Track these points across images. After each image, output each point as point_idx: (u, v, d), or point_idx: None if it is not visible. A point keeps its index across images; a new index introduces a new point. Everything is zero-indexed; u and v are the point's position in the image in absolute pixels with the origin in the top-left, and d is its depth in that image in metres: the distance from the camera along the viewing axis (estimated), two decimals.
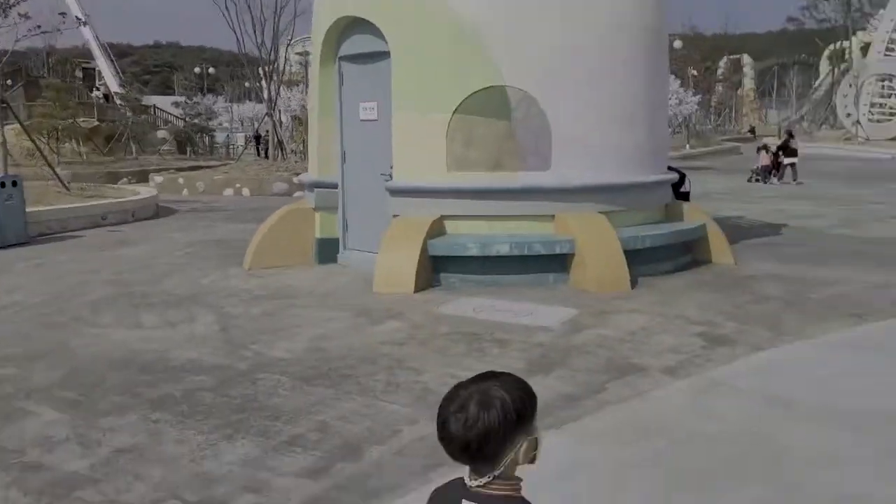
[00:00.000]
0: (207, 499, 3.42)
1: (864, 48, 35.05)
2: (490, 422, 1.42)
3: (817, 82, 49.50)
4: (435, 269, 7.69)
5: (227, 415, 4.39)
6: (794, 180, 20.71)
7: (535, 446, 1.49)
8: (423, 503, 3.35)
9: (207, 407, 4.51)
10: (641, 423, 4.36)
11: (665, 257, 8.26)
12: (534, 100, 7.76)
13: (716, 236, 8.87)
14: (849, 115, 33.62)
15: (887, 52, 32.16)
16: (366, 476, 3.61)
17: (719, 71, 58.55)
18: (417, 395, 4.68)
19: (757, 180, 21.23)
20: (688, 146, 35.11)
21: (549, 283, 7.67)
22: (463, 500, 1.48)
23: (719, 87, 57.26)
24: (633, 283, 7.57)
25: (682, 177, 10.97)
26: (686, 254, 8.70)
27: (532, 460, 1.50)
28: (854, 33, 41.86)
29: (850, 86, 33.40)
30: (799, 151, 21.86)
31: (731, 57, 60.23)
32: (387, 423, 4.25)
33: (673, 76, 32.18)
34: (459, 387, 1.50)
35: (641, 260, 7.87)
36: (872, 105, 32.87)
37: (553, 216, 7.85)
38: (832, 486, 3.43)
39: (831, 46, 45.28)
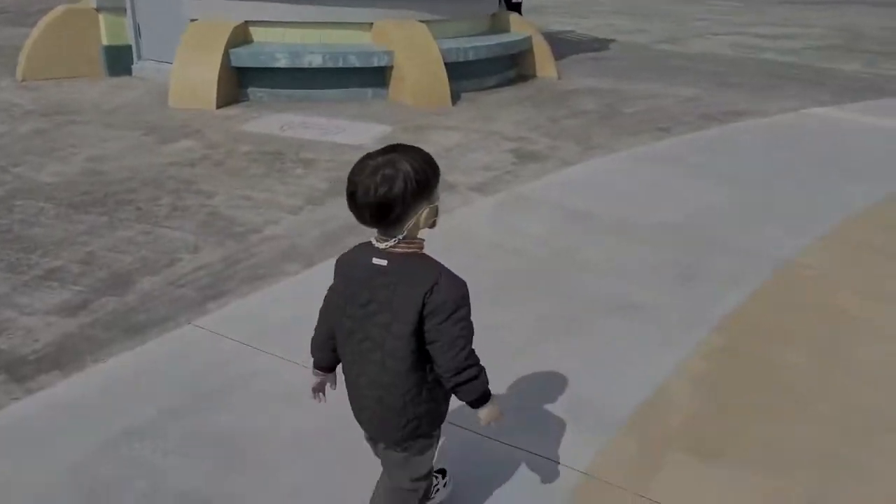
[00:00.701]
0: None
1: None
2: (395, 188, 1.55)
3: None
4: (241, 82, 6.97)
5: None
6: None
7: (435, 213, 1.66)
8: (194, 339, 3.13)
9: None
10: (445, 240, 4.25)
11: (489, 71, 7.99)
12: None
13: (541, 50, 8.67)
14: None
15: None
16: (132, 310, 3.26)
17: None
18: (204, 220, 4.27)
19: None
20: None
21: (367, 99, 7.22)
22: (373, 259, 1.66)
23: None
24: (456, 98, 7.31)
25: None
26: (511, 67, 8.48)
27: (432, 225, 1.68)
28: None
29: None
30: None
31: None
32: (165, 251, 3.85)
33: None
34: (368, 157, 1.60)
35: (464, 73, 7.57)
36: None
37: (371, 25, 7.24)
38: (613, 296, 3.53)
39: None
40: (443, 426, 1.85)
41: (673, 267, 3.88)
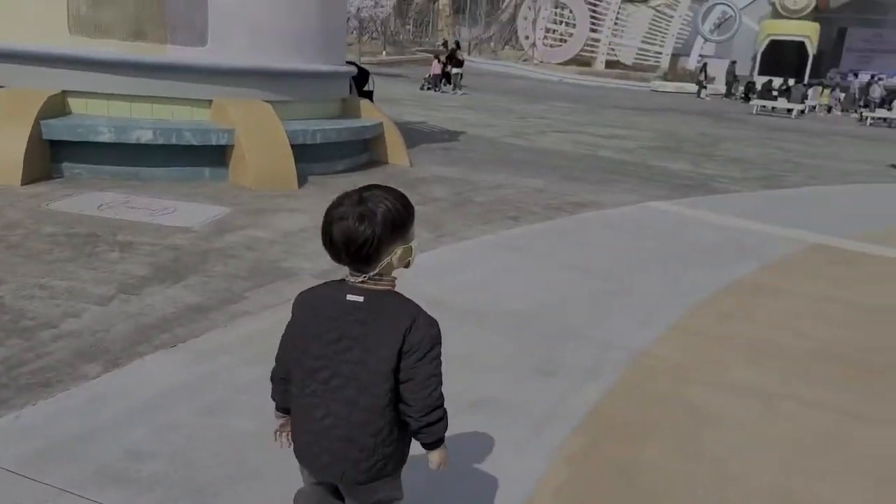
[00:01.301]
0: None
1: None
2: (369, 227, 1.58)
3: (503, 5, 53.00)
4: (56, 157, 6.24)
5: None
6: (459, 89, 22.04)
7: (409, 253, 1.69)
8: None
9: None
10: (276, 334, 3.80)
11: (339, 155, 7.75)
12: None
13: (393, 137, 8.59)
14: (527, 37, 36.36)
15: None
16: None
17: None
18: None
19: (429, 88, 22.14)
20: (384, 53, 35.21)
21: (203, 179, 6.70)
22: (347, 295, 1.66)
23: (417, 2, 58.07)
24: (303, 181, 6.96)
25: (366, 74, 10.55)
26: (362, 153, 8.29)
27: (407, 265, 1.70)
28: None
29: (529, 9, 36.00)
30: (466, 64, 23.34)
31: None
32: None
33: None
34: (345, 195, 1.63)
35: (312, 156, 7.27)
36: (547, 30, 35.85)
37: (210, 102, 6.82)
38: (467, 391, 3.22)
39: None
40: None
41: (528, 359, 3.66)
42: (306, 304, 1.73)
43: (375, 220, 1.58)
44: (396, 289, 1.71)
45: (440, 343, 1.66)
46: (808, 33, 32.32)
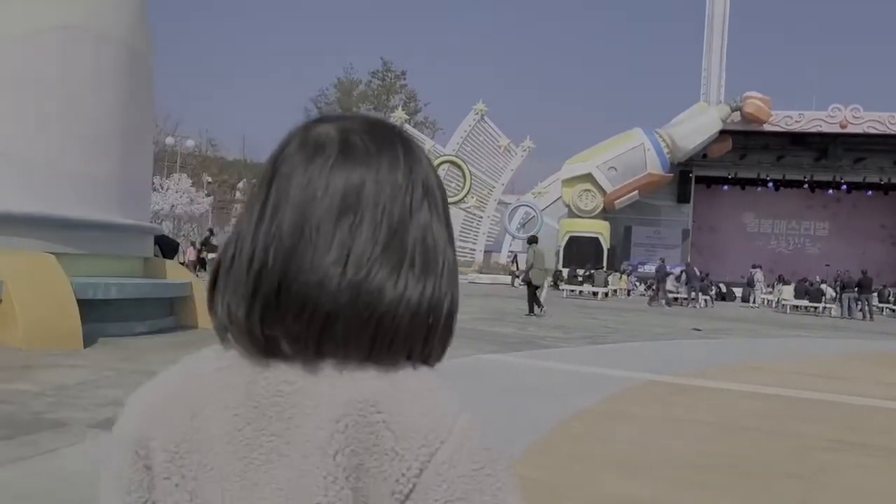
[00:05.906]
0: None
1: None
2: None
3: None
4: None
5: None
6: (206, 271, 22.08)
7: None
8: None
9: None
10: (25, 491, 2.82)
11: (139, 315, 6.77)
12: None
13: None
14: None
15: None
16: None
17: (237, 194, 60.37)
18: None
19: None
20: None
21: None
22: None
23: (237, 207, 58.76)
24: (91, 342, 5.91)
25: (176, 245, 9.90)
26: (168, 315, 7.35)
27: None
28: None
29: None
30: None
31: (252, 181, 62.97)
32: None
33: (186, 175, 31.71)
34: None
35: (107, 315, 6.28)
36: None
37: None
38: None
39: None
40: None
41: None
42: None
43: None
44: None
45: None
46: (600, 230, 36.01)
